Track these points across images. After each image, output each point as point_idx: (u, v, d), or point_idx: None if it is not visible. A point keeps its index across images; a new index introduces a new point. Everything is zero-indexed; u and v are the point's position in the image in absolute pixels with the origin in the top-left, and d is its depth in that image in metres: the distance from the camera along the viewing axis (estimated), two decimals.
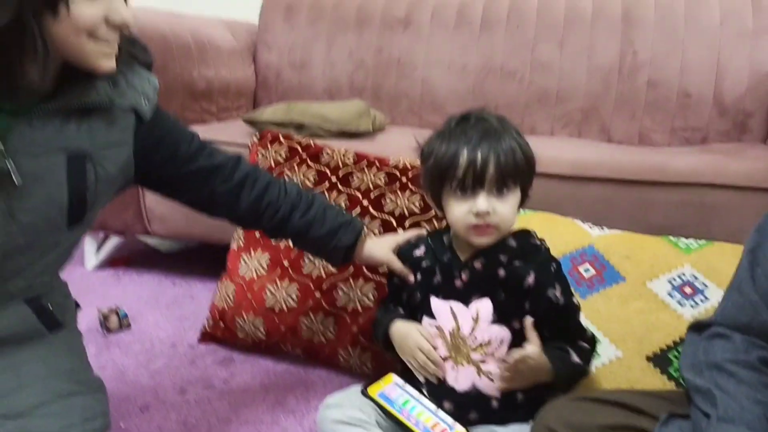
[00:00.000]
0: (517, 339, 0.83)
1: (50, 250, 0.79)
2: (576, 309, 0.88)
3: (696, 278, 1.07)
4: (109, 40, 0.70)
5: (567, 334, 0.85)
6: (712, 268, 1.08)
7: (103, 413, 0.80)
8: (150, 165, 0.84)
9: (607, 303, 1.07)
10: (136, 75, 0.80)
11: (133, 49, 0.81)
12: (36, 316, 0.80)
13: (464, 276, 0.85)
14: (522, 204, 0.86)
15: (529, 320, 0.81)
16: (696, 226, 1.23)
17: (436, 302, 0.87)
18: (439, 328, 0.86)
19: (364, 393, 0.86)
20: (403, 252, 0.95)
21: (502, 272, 0.84)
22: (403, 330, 0.89)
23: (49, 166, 0.73)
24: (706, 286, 1.06)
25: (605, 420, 0.72)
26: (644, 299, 1.06)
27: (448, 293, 0.86)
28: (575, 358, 0.83)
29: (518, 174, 0.81)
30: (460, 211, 0.82)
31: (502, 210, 0.81)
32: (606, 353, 1.01)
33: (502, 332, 0.82)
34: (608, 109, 1.74)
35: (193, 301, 1.49)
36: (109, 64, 0.72)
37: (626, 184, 1.27)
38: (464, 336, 0.84)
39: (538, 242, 0.90)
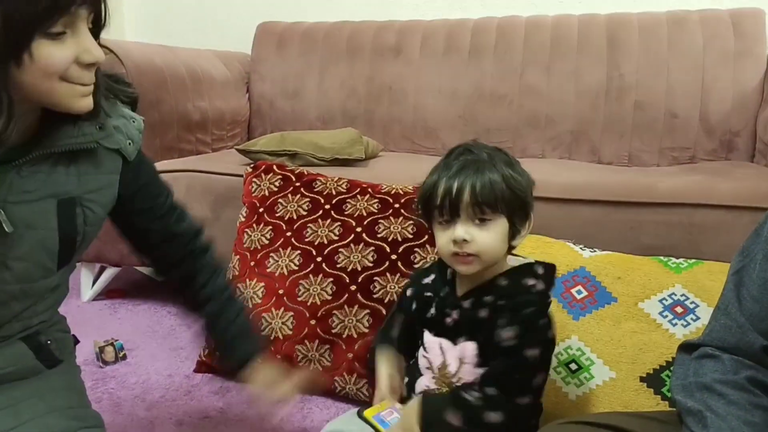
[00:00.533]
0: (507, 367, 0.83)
1: (44, 294, 0.79)
2: (528, 366, 0.81)
3: (687, 298, 1.08)
4: (82, 80, 0.68)
5: (507, 386, 0.80)
6: (702, 287, 1.09)
7: None
8: (124, 209, 0.83)
9: (600, 324, 1.08)
10: (120, 116, 0.80)
11: (117, 87, 0.81)
12: (34, 354, 0.81)
13: (455, 314, 0.86)
14: (514, 236, 0.84)
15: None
16: (686, 245, 1.24)
17: (428, 337, 0.88)
18: (428, 360, 0.87)
19: (360, 415, 0.86)
20: (417, 274, 0.98)
21: (483, 313, 0.83)
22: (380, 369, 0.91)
23: (40, 213, 0.73)
24: (696, 305, 1.07)
25: None
26: (636, 320, 1.07)
27: (439, 330, 0.87)
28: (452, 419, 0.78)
29: (498, 203, 0.80)
30: (442, 239, 0.83)
31: (482, 239, 0.80)
32: (600, 374, 1.01)
33: None
34: (597, 130, 1.77)
35: (190, 330, 1.49)
36: (85, 102, 0.70)
37: (616, 206, 1.29)
38: (451, 374, 0.85)
39: (533, 282, 0.85)
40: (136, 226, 0.87)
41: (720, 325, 0.75)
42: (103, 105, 0.75)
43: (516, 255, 0.90)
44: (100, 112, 0.74)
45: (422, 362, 0.88)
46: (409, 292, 0.96)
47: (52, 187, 0.73)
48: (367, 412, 0.86)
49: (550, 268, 0.89)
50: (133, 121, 0.82)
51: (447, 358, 0.84)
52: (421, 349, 0.88)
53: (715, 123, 1.66)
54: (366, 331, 1.18)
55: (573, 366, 1.04)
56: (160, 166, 1.58)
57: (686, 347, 0.79)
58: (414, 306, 0.93)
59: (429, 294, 0.91)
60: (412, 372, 0.91)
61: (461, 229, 0.80)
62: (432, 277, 0.94)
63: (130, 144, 0.80)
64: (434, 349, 0.86)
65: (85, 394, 0.87)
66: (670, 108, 1.70)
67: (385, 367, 0.90)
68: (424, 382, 0.87)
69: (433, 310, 0.89)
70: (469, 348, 0.83)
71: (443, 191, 0.80)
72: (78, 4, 0.63)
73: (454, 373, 0.83)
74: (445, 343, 0.85)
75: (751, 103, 1.65)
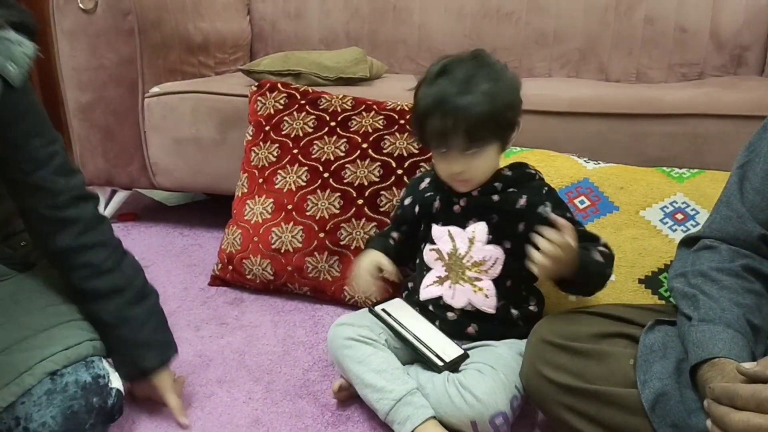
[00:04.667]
0: (510, 258, 0.87)
1: None
2: (574, 221, 0.89)
3: (688, 205, 1.11)
4: None
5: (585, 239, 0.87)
6: (704, 194, 1.11)
7: (91, 339, 0.82)
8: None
9: (601, 231, 1.10)
10: (3, 38, 0.74)
11: (7, 12, 0.75)
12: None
13: (462, 202, 0.90)
14: (505, 147, 0.89)
15: (562, 222, 0.79)
16: (690, 156, 1.25)
17: (436, 228, 0.92)
18: (437, 251, 0.91)
19: (371, 310, 0.91)
20: (412, 183, 1.02)
21: (496, 197, 0.89)
22: (363, 254, 0.95)
23: None
24: (697, 212, 1.09)
25: (596, 329, 0.76)
26: (637, 227, 1.10)
27: (447, 219, 0.92)
28: (597, 256, 0.84)
29: (488, 132, 0.84)
30: (439, 166, 0.89)
31: (478, 165, 0.86)
32: None
33: (496, 252, 0.87)
34: (605, 47, 1.74)
35: (202, 249, 1.53)
36: None
37: (621, 118, 1.29)
38: (461, 256, 0.89)
39: (533, 171, 0.94)
40: (6, 164, 0.78)
41: (721, 216, 0.78)
42: None
43: None
44: None
45: (430, 256, 0.92)
46: (407, 201, 0.99)
47: None
48: (377, 307, 0.91)
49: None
50: (20, 45, 0.76)
51: (457, 242, 0.88)
52: (428, 245, 0.92)
53: (725, 37, 1.63)
54: None
55: None
56: (164, 87, 1.59)
57: (687, 242, 0.82)
58: (417, 209, 0.97)
59: (430, 194, 0.95)
60: (419, 272, 0.95)
61: (456, 166, 0.85)
62: (428, 180, 0.99)
63: (12, 68, 0.74)
64: (443, 237, 0.91)
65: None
66: (681, 22, 1.66)
67: (373, 253, 0.94)
68: (434, 275, 0.92)
69: (437, 204, 0.93)
70: (479, 228, 0.87)
71: (432, 132, 0.84)
72: None
73: (464, 254, 0.88)
74: (454, 229, 0.89)
75: (763, 16, 1.61)
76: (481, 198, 0.89)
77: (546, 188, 0.91)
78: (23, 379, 0.76)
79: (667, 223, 1.09)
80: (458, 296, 0.89)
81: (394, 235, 1.01)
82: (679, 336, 0.71)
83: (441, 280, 0.91)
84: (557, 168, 1.21)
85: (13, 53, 0.75)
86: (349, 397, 0.93)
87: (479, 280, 0.87)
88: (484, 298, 0.87)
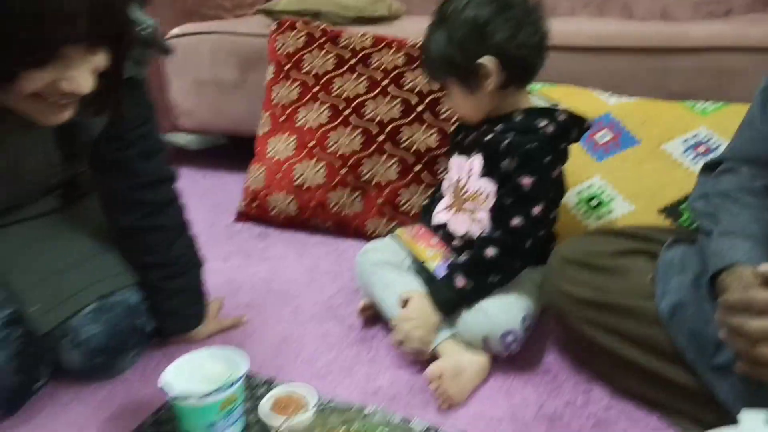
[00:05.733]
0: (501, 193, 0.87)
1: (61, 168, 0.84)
2: (522, 193, 0.84)
3: (710, 138, 1.10)
4: (58, 101, 0.63)
5: (500, 212, 0.86)
6: (727, 128, 1.09)
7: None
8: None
9: (622, 164, 1.11)
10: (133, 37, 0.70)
11: None
12: (63, 201, 0.87)
13: (472, 135, 0.92)
14: (473, 90, 0.86)
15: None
16: (715, 91, 1.24)
17: (453, 158, 0.95)
18: (449, 179, 0.95)
19: (392, 235, 0.95)
20: None
21: (490, 136, 0.88)
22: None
23: (37, 139, 0.76)
24: (720, 144, 1.09)
25: (617, 247, 0.78)
26: (659, 159, 1.10)
27: (460, 149, 0.94)
28: (459, 280, 0.83)
29: (441, 71, 0.88)
30: None
31: (455, 102, 0.91)
32: (620, 208, 1.07)
33: (489, 185, 0.87)
34: None
35: (225, 189, 1.56)
36: (55, 119, 0.65)
37: (646, 53, 1.27)
38: (462, 186, 0.91)
39: (542, 124, 0.86)
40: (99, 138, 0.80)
41: (743, 138, 0.78)
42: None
43: (551, 100, 0.93)
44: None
45: (444, 184, 0.96)
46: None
47: None
48: (399, 230, 0.95)
49: (578, 120, 0.90)
50: (146, 29, 0.73)
51: (462, 172, 0.91)
52: (446, 173, 0.96)
53: None
54: (394, 178, 1.23)
55: (593, 202, 1.09)
56: (182, 29, 1.59)
57: (707, 167, 0.82)
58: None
59: (457, 124, 0.99)
60: (437, 198, 0.98)
61: (447, 100, 0.94)
62: None
63: (142, 72, 0.76)
64: (454, 167, 0.94)
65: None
66: None
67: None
68: (445, 202, 0.95)
69: (459, 135, 0.96)
70: (477, 160, 0.89)
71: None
72: None
73: (464, 184, 0.90)
74: (462, 159, 0.92)
75: None
76: (483, 133, 0.89)
77: (533, 145, 0.84)
78: (76, 299, 0.80)
79: (689, 155, 1.09)
80: (459, 224, 0.91)
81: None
82: (699, 252, 0.72)
83: (449, 208, 0.94)
84: (578, 104, 1.19)
85: (144, 55, 0.75)
86: (373, 316, 0.96)
87: (475, 211, 0.89)
88: (480, 228, 0.89)
